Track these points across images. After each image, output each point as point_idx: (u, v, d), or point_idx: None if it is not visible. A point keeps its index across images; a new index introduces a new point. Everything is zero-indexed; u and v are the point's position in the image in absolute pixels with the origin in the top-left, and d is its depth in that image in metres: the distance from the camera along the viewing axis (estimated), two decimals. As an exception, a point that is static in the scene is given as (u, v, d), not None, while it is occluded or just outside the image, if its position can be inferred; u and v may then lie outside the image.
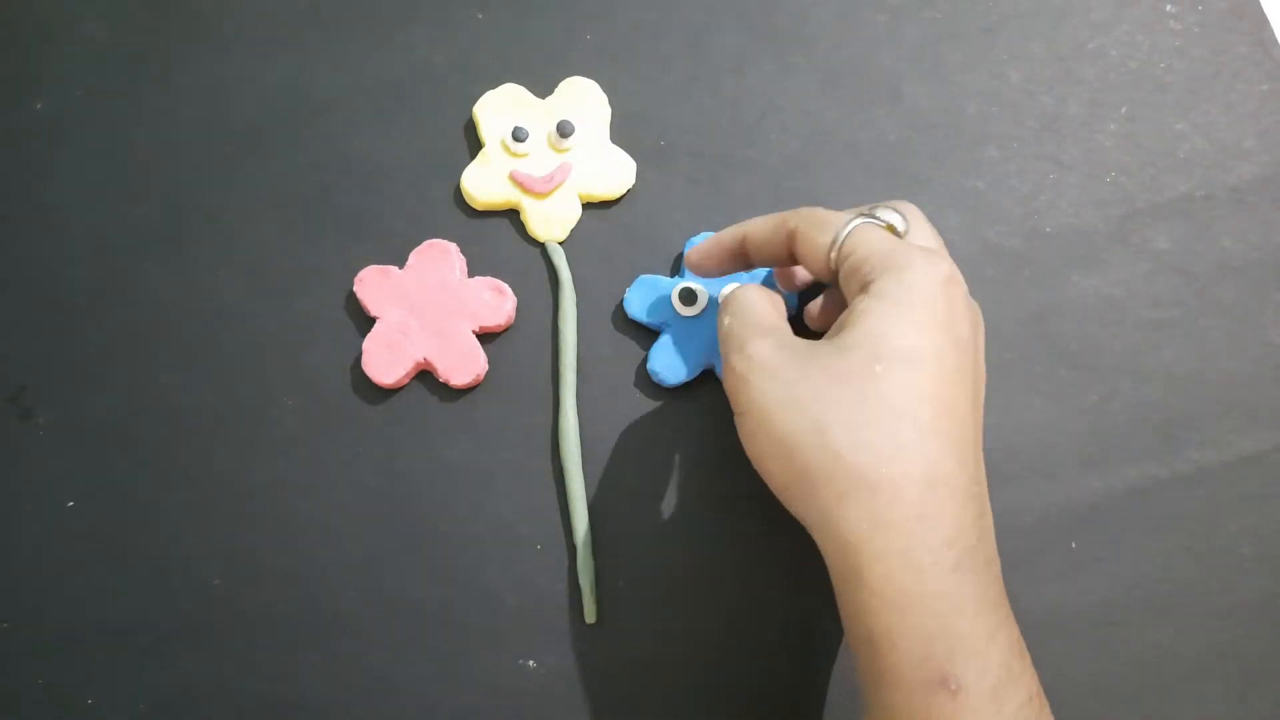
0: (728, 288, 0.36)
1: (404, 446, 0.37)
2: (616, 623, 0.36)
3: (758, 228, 0.33)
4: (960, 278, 0.29)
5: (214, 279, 0.40)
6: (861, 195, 0.40)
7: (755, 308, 0.30)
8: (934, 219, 0.39)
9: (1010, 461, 0.37)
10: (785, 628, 0.35)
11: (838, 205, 0.39)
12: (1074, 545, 0.36)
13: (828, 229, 0.30)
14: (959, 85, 0.41)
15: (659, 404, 0.38)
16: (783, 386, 0.27)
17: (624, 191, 0.40)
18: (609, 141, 0.40)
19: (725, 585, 0.36)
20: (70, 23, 0.43)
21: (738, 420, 0.29)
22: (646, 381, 0.38)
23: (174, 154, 0.41)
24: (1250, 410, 0.37)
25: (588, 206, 0.40)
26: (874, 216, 0.30)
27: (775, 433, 0.27)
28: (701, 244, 0.35)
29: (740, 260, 0.34)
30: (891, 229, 0.30)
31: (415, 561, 0.36)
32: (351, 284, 0.38)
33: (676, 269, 0.39)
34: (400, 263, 0.39)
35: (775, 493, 0.29)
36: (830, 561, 0.27)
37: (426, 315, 0.38)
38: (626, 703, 0.35)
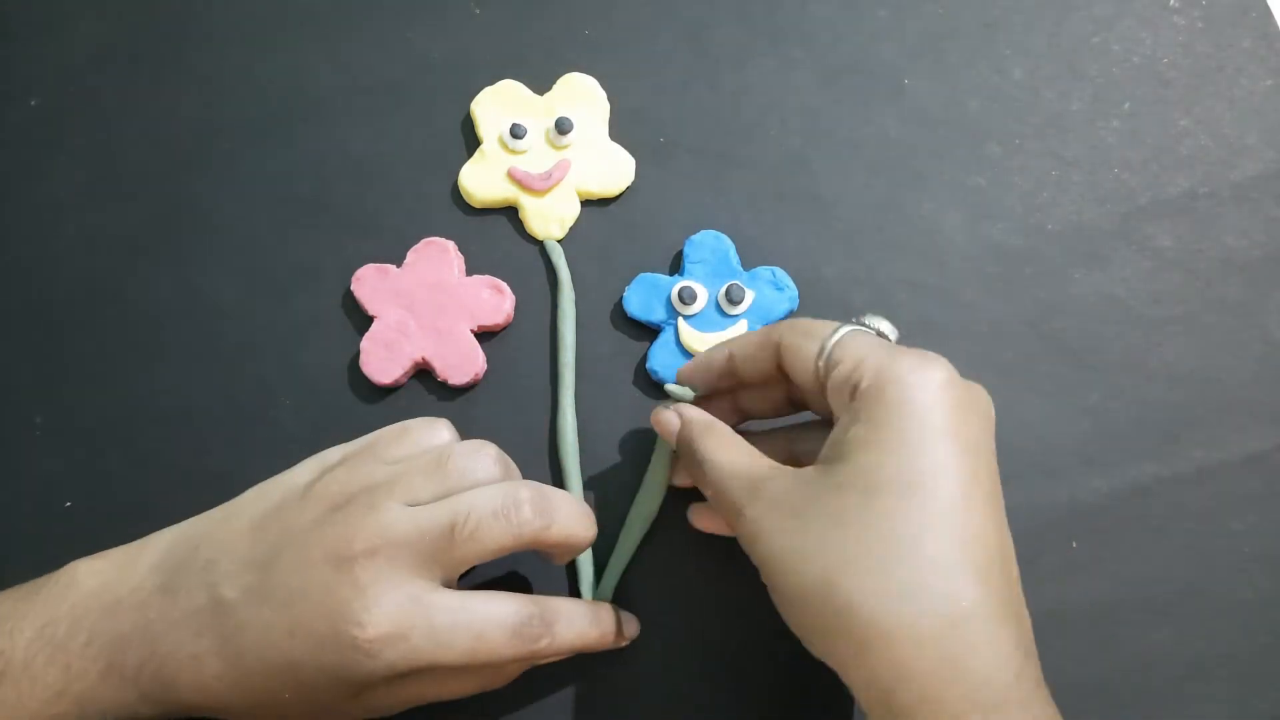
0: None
1: (402, 446, 0.37)
2: (616, 623, 0.35)
3: (743, 343, 0.32)
4: (957, 377, 0.27)
5: (211, 277, 0.39)
6: (863, 193, 0.39)
7: (732, 463, 0.29)
8: (935, 216, 0.39)
9: (1010, 461, 0.36)
10: (785, 627, 0.35)
11: (839, 202, 0.39)
12: (1074, 545, 0.36)
13: (815, 338, 0.29)
14: (961, 81, 0.41)
15: (659, 403, 0.37)
16: (788, 538, 0.26)
17: (623, 189, 0.40)
18: (608, 138, 0.40)
19: (725, 585, 0.36)
20: (66, 19, 0.43)
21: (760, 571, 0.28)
22: (646, 381, 0.38)
23: (170, 151, 0.41)
24: (1252, 409, 0.37)
25: (586, 204, 0.40)
26: (863, 324, 0.30)
27: (788, 586, 0.26)
28: (689, 363, 0.33)
29: (729, 378, 0.32)
30: (881, 335, 0.29)
31: (414, 561, 0.36)
32: (349, 283, 0.38)
33: (676, 267, 0.39)
34: (398, 261, 0.39)
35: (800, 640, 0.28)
36: (859, 701, 0.26)
37: (425, 314, 0.38)
38: (626, 703, 0.35)
